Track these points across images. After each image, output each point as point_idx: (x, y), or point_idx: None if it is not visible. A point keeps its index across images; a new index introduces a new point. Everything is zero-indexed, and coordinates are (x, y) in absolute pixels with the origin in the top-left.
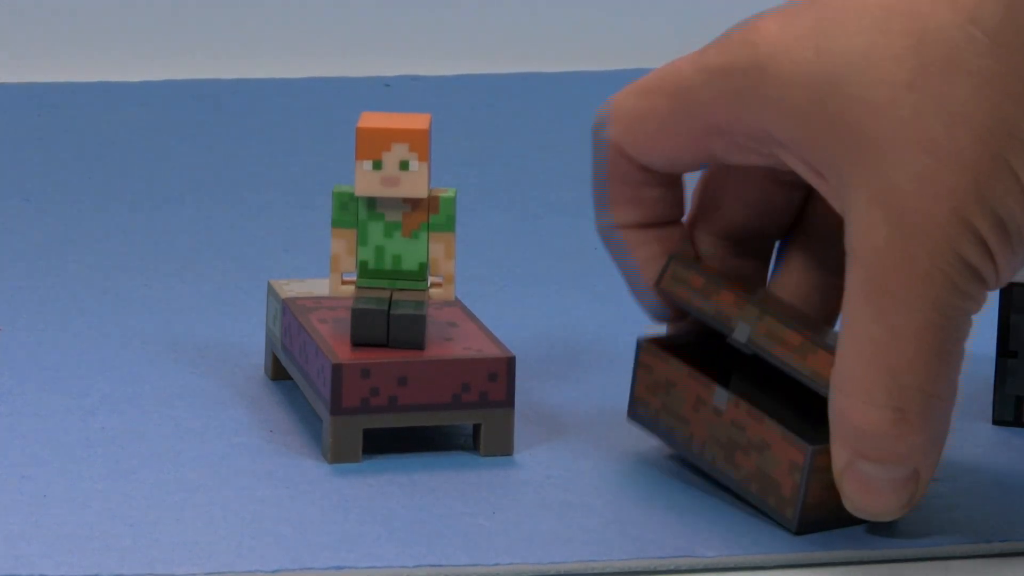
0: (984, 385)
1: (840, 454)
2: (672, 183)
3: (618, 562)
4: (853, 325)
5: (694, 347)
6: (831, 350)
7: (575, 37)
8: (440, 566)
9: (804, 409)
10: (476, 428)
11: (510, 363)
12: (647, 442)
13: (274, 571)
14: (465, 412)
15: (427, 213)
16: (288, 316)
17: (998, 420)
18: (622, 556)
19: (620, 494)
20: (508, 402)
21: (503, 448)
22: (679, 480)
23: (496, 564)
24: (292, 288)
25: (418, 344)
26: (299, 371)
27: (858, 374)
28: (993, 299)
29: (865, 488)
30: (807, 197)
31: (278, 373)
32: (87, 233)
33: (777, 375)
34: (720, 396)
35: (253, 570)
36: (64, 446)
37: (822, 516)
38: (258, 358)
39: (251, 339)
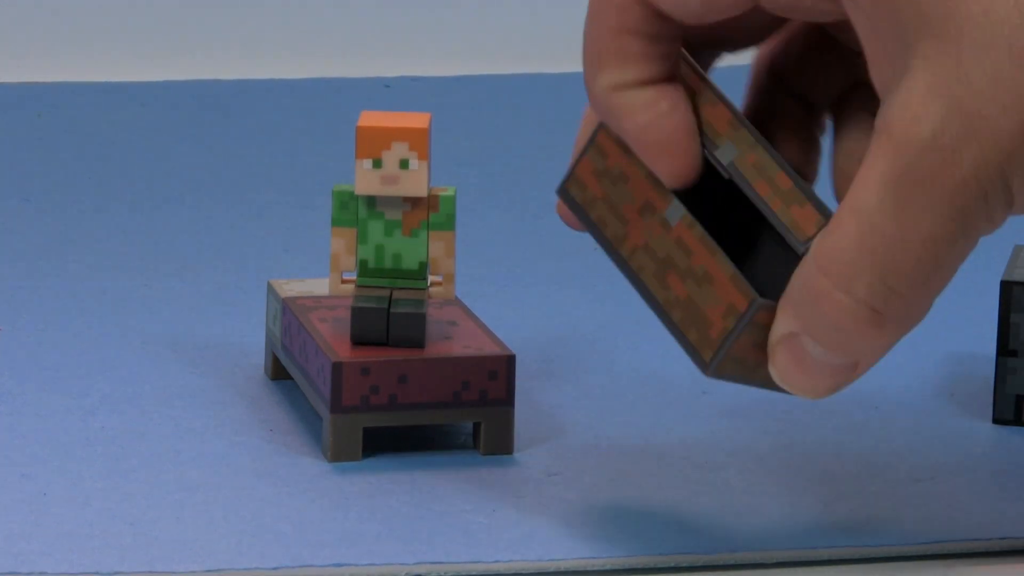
0: (984, 384)
1: (787, 322)
2: (677, 34)
3: (618, 560)
4: (863, 209)
5: None
6: (820, 211)
7: (575, 37)
8: (440, 564)
9: (748, 265)
10: (476, 427)
11: (510, 362)
12: (647, 441)
13: (274, 569)
14: (465, 410)
15: (427, 212)
16: (288, 315)
17: (998, 419)
18: (622, 554)
19: (620, 493)
20: (508, 401)
21: (503, 446)
22: (679, 479)
23: (496, 562)
24: (292, 288)
25: (418, 343)
26: (299, 370)
27: (848, 259)
28: (993, 299)
29: (799, 364)
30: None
31: (278, 373)
32: (87, 233)
33: (736, 225)
34: (675, 210)
35: (253, 568)
36: (64, 446)
37: (738, 371)
38: (258, 358)
39: (251, 339)
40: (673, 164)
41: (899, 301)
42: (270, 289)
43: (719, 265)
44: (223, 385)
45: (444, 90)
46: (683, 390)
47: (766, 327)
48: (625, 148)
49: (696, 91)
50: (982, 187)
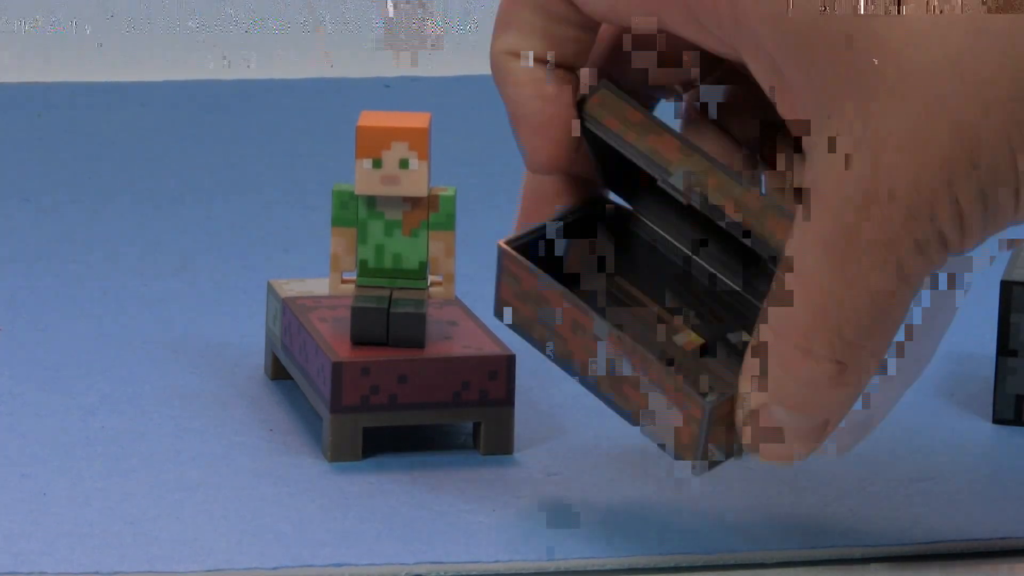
0: (984, 384)
1: (754, 396)
2: (592, 27)
3: (618, 560)
4: (805, 272)
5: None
6: (790, 218)
7: None
8: (440, 563)
9: (685, 295)
10: (476, 426)
11: (510, 361)
12: (647, 441)
13: (274, 568)
14: (465, 410)
15: (427, 212)
16: (288, 315)
17: (998, 419)
18: (622, 554)
19: (619, 492)
20: (508, 400)
21: (503, 446)
22: (679, 479)
23: (496, 561)
24: (292, 288)
25: (418, 342)
26: (299, 370)
27: (802, 321)
28: (993, 299)
29: (773, 435)
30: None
31: (278, 373)
32: (87, 233)
33: (654, 264)
34: (600, 326)
35: (253, 567)
36: (64, 445)
37: (723, 455)
38: (258, 358)
39: (251, 339)
40: (539, 146)
41: (859, 351)
42: (270, 289)
43: (661, 374)
44: (223, 385)
45: (444, 90)
46: None
47: (728, 415)
48: (533, 270)
49: (637, 121)
50: (914, 239)
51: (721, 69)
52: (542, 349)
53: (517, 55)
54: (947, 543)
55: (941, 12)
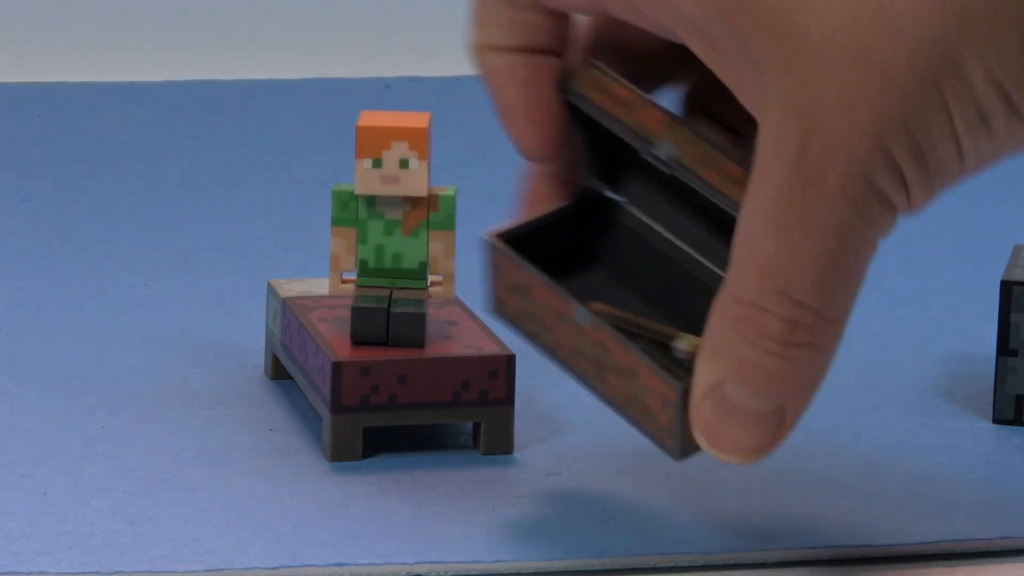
0: (984, 384)
1: (709, 372)
2: (558, 14)
3: (617, 559)
4: (750, 234)
5: (547, 233)
6: None
7: None
8: (440, 563)
9: (678, 291)
10: (476, 426)
11: (510, 361)
12: (647, 441)
13: (274, 568)
14: (465, 410)
15: (427, 211)
16: (288, 315)
17: (998, 419)
18: (621, 553)
19: (619, 492)
20: (508, 400)
21: (503, 446)
22: (678, 478)
23: (496, 561)
24: (292, 288)
25: (418, 342)
26: (299, 370)
27: (752, 286)
28: (993, 299)
29: (725, 416)
30: None
31: (278, 372)
32: (87, 233)
33: (646, 258)
34: (580, 314)
35: (253, 567)
36: (64, 445)
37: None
38: (258, 358)
39: (251, 339)
40: (523, 131)
41: (809, 313)
42: (270, 289)
43: (638, 359)
44: (223, 385)
45: (444, 90)
46: None
47: None
48: (516, 260)
49: (623, 97)
50: (854, 201)
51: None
52: (532, 341)
53: (492, 48)
54: (947, 543)
55: None
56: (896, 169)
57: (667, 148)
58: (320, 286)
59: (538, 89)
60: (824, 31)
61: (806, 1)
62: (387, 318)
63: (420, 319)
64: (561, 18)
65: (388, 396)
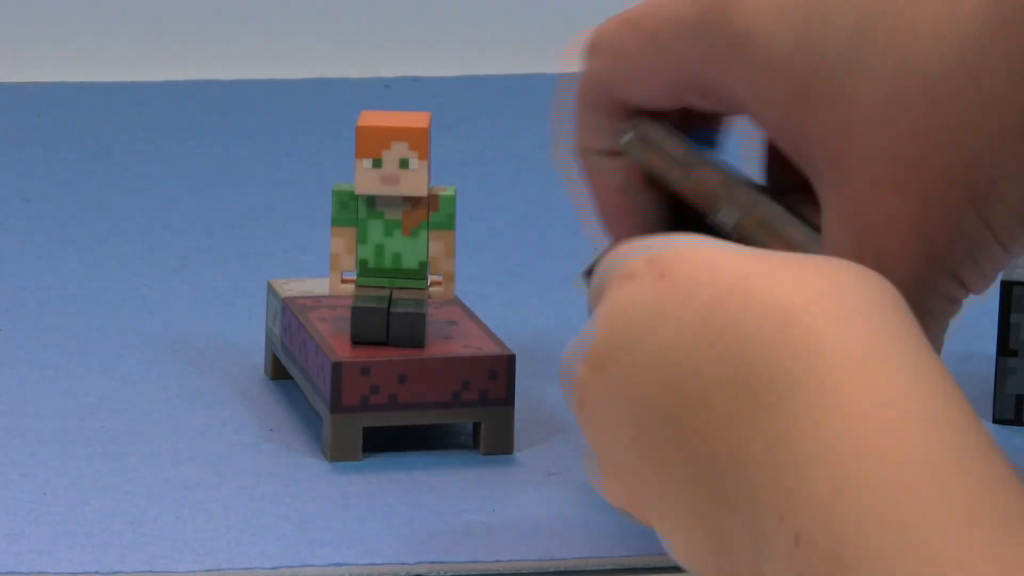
0: (984, 384)
1: None
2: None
3: (618, 560)
4: None
5: None
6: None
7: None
8: (440, 563)
9: None
10: (476, 426)
11: (510, 361)
12: None
13: (274, 568)
14: (465, 410)
15: (427, 211)
16: (288, 315)
17: (998, 419)
18: (621, 553)
19: None
20: (508, 400)
21: (503, 446)
22: None
23: (496, 561)
24: (292, 288)
25: (418, 342)
26: (299, 370)
27: None
28: (993, 299)
29: None
30: None
31: (278, 373)
32: (87, 233)
33: None
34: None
35: (253, 567)
36: (64, 445)
37: None
38: (258, 358)
39: (251, 339)
40: (616, 231)
41: None
42: (270, 289)
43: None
44: (223, 385)
45: (444, 90)
46: None
47: None
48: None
49: (679, 157)
50: (919, 305)
51: None
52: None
53: (590, 151)
54: None
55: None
56: (955, 277)
57: (730, 214)
58: (320, 286)
59: (631, 194)
60: (867, 154)
61: (847, 131)
62: (387, 318)
63: (420, 319)
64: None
65: (388, 396)
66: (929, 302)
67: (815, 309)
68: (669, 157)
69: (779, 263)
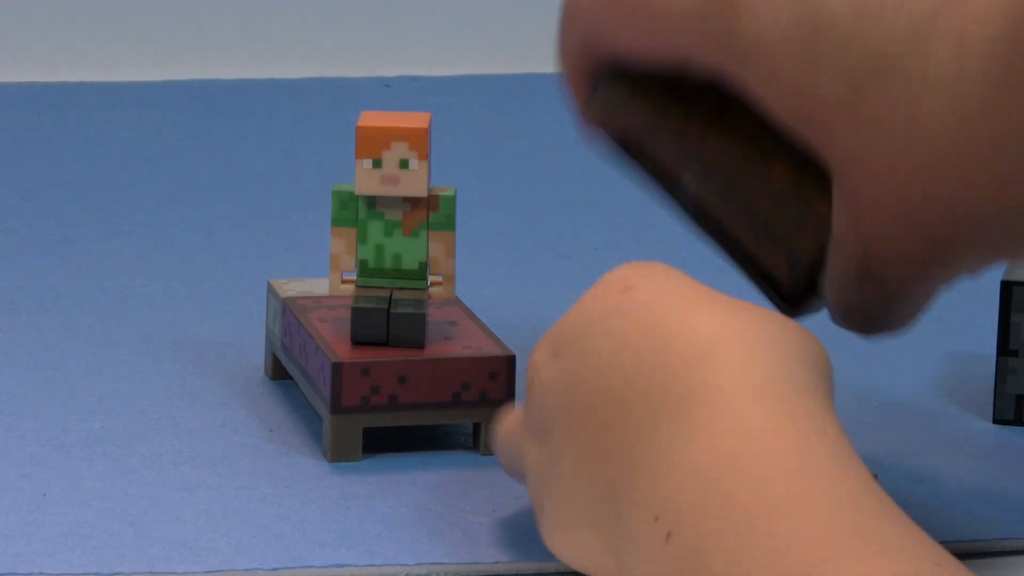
0: (984, 384)
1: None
2: None
3: None
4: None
5: None
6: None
7: None
8: (440, 564)
9: None
10: (476, 427)
11: (510, 362)
12: None
13: (274, 569)
14: (465, 411)
15: (427, 212)
16: (288, 315)
17: (998, 419)
18: None
19: None
20: (508, 401)
21: None
22: None
23: (496, 562)
24: (292, 288)
25: (418, 343)
26: (299, 370)
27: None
28: (993, 299)
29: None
30: None
31: (278, 373)
32: (87, 233)
33: None
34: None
35: (253, 568)
36: (64, 446)
37: None
38: (258, 358)
39: (251, 339)
40: None
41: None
42: (270, 289)
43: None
44: (223, 385)
45: (444, 90)
46: None
47: None
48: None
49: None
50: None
51: None
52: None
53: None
54: (947, 543)
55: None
56: (957, 272)
57: (688, 182)
58: (320, 286)
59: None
60: (876, 166)
61: (857, 161)
62: (387, 318)
63: (420, 319)
64: None
65: (388, 396)
66: (930, 282)
67: (730, 348)
68: (633, 121)
69: (717, 307)
